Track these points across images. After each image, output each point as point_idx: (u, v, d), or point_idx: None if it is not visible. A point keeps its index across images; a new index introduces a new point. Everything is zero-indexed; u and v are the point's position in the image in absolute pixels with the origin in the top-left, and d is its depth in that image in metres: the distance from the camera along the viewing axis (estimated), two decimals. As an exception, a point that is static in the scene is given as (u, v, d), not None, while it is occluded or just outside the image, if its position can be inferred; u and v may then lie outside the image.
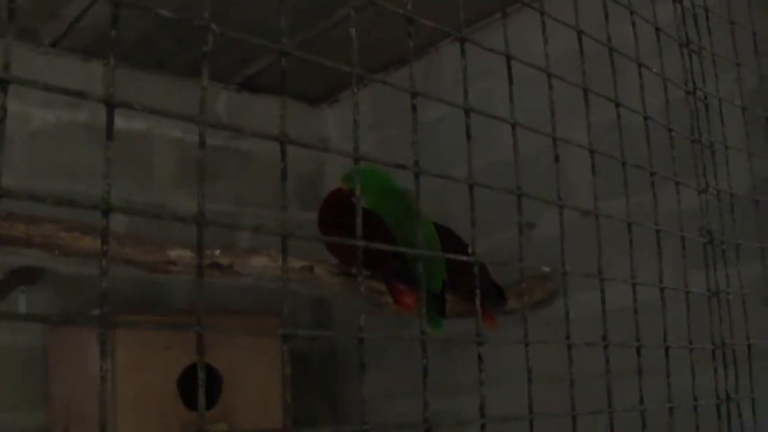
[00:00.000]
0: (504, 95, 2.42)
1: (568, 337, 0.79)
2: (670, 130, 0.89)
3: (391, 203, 2.02)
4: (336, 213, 2.01)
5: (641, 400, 0.79)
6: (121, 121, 2.63)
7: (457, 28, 0.73)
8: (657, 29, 0.88)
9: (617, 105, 0.82)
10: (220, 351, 2.31)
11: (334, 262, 1.93)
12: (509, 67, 0.71)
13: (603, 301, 0.85)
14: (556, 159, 0.81)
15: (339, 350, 2.90)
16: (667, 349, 0.84)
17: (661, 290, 0.86)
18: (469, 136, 0.72)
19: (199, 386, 0.51)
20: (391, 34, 2.54)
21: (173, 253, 1.60)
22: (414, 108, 0.66)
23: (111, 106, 0.48)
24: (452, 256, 1.84)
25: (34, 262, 2.31)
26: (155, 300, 2.57)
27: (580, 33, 0.76)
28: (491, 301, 2.11)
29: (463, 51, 0.67)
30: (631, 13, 0.81)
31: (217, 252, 1.66)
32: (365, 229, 1.92)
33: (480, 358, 0.67)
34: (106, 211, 0.47)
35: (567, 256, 2.26)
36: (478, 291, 0.79)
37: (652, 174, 0.87)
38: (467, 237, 2.26)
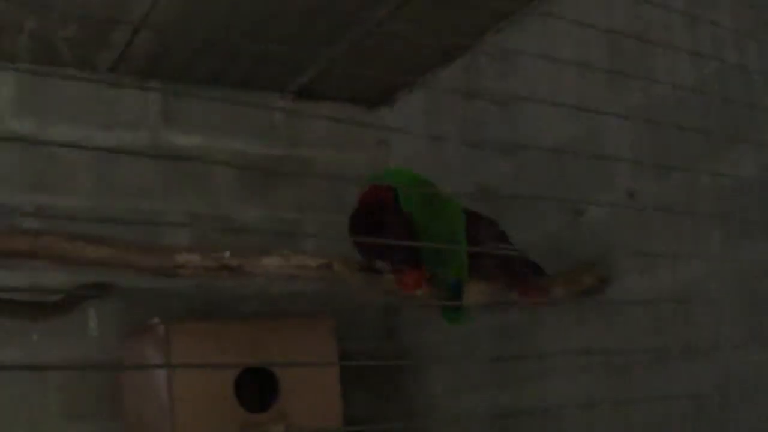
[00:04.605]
0: (546, 86, 2.41)
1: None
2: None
3: (414, 195, 2.04)
4: (364, 211, 2.04)
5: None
6: (180, 138, 2.74)
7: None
8: None
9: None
10: (275, 353, 2.37)
11: (357, 258, 1.96)
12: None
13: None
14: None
15: (406, 350, 2.92)
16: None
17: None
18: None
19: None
20: (433, 34, 2.57)
21: (180, 258, 1.66)
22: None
23: None
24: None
25: (102, 276, 2.44)
26: (221, 307, 2.65)
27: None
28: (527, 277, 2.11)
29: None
30: None
31: (227, 254, 1.71)
32: (388, 222, 1.91)
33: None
34: None
35: (615, 239, 2.23)
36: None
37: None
38: (516, 224, 2.28)
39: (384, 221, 1.97)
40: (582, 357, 2.32)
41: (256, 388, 2.40)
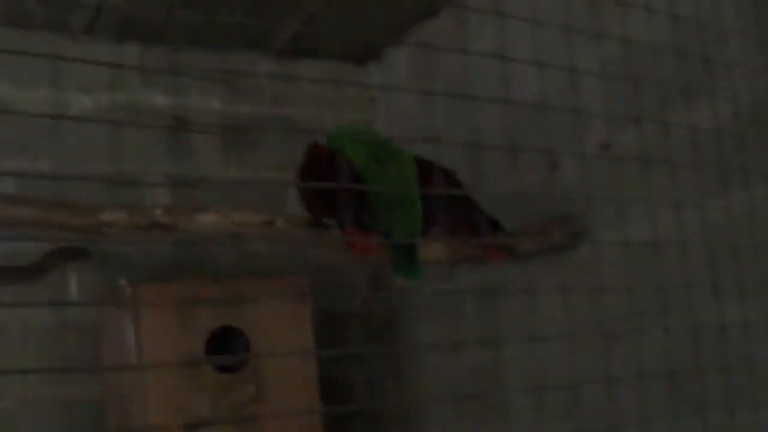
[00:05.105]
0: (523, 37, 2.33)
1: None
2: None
3: (363, 149, 1.98)
4: (310, 166, 1.99)
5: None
6: (159, 98, 2.72)
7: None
8: None
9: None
10: (247, 314, 2.34)
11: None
12: None
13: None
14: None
15: (397, 310, 2.88)
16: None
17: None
18: None
19: None
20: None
21: (106, 216, 1.64)
22: None
23: None
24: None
25: (75, 242, 2.43)
26: (199, 267, 2.63)
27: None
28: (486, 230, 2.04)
29: None
30: None
31: (158, 211, 1.68)
32: (333, 179, 1.85)
33: None
34: None
35: (589, 193, 2.17)
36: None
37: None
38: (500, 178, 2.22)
39: (331, 176, 1.91)
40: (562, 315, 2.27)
41: (228, 349, 2.38)
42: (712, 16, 1.88)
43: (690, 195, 1.95)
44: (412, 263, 1.88)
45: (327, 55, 2.93)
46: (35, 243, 2.37)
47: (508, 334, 2.45)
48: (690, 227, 1.94)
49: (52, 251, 2.40)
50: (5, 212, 1.56)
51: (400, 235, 1.89)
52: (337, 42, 2.85)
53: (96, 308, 2.53)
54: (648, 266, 2.04)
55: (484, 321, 2.53)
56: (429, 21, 2.74)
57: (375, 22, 2.75)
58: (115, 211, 1.65)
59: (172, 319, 2.27)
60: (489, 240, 2.05)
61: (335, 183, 1.89)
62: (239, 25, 2.66)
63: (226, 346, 2.36)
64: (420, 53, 2.79)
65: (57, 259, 2.42)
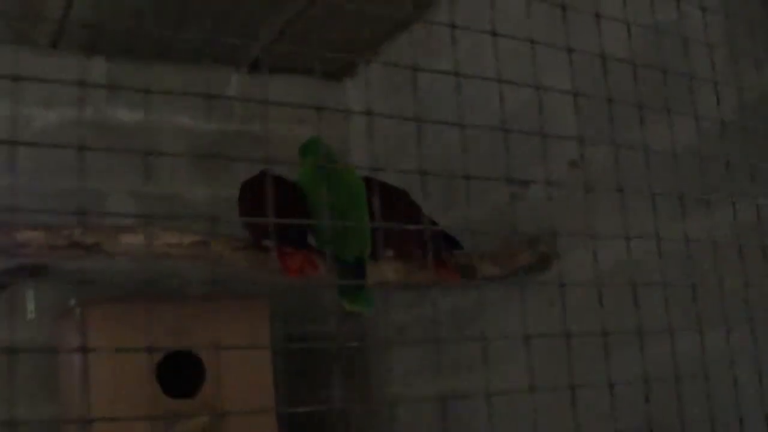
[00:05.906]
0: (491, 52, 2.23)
1: None
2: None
3: (309, 167, 1.90)
4: (252, 186, 1.91)
5: None
6: (125, 113, 2.64)
7: None
8: None
9: None
10: (202, 337, 2.25)
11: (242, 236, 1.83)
12: None
13: None
14: None
15: (369, 331, 2.78)
16: None
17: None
18: None
19: None
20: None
21: (22, 236, 1.56)
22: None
23: None
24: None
25: (33, 260, 2.36)
26: (162, 285, 2.54)
27: None
28: (440, 251, 1.94)
29: None
30: None
31: (77, 231, 1.60)
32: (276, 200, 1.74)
33: None
34: None
35: (558, 212, 2.06)
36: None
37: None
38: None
39: (273, 194, 1.82)
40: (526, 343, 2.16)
41: (182, 373, 2.28)
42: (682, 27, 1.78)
43: (662, 218, 1.85)
44: (360, 287, 1.78)
45: (297, 71, 2.83)
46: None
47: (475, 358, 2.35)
48: (664, 250, 1.83)
49: (10, 267, 2.34)
50: None
51: (346, 256, 1.79)
52: (307, 58, 2.76)
53: (51, 328, 2.45)
54: (618, 292, 1.94)
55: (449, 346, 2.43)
56: (400, 35, 2.65)
57: (343, 37, 2.66)
58: (31, 231, 1.57)
59: (124, 339, 2.17)
60: (444, 259, 1.95)
61: (275, 202, 1.80)
62: (210, 40, 2.59)
63: (179, 369, 2.27)
64: (390, 69, 2.70)
65: (14, 276, 2.36)
